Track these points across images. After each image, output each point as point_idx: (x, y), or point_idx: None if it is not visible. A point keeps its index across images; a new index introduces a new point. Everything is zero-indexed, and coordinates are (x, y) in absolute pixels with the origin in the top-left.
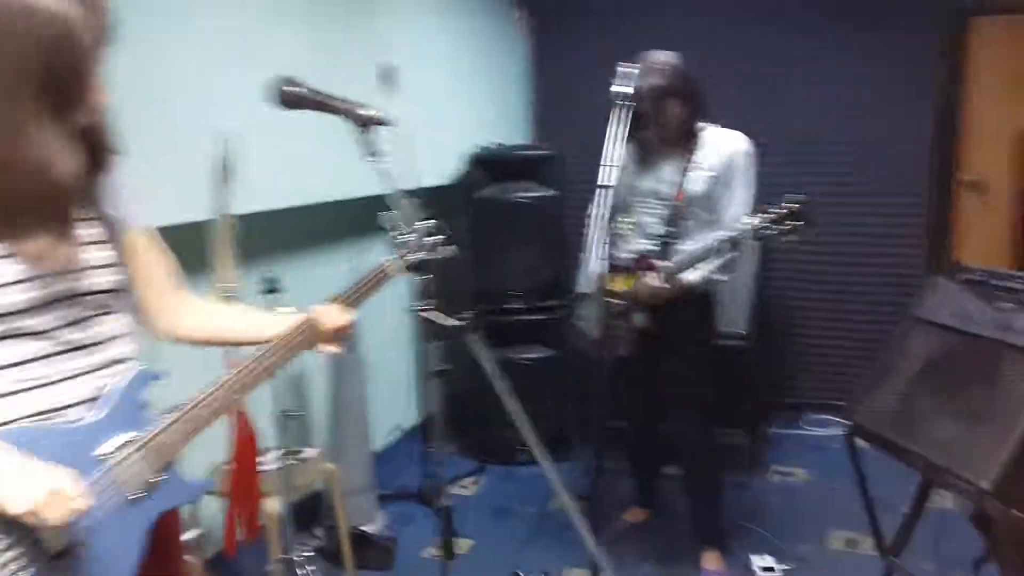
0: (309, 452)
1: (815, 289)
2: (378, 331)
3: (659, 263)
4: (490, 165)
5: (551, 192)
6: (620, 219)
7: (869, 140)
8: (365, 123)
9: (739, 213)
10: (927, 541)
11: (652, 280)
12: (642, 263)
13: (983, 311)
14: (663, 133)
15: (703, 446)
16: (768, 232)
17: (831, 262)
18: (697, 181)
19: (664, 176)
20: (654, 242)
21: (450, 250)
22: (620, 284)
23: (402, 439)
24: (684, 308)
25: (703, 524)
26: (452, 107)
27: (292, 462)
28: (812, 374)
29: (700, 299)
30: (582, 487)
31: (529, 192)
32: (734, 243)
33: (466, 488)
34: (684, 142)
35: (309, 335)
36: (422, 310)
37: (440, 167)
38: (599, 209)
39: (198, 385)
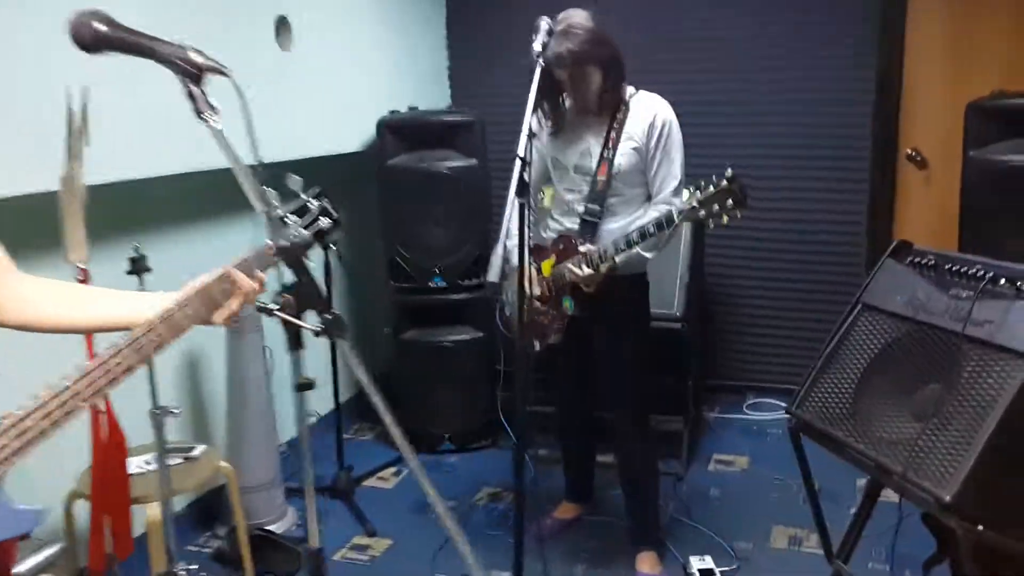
0: (199, 449)
1: (755, 267)
2: None
3: (583, 247)
4: (402, 131)
5: (471, 162)
6: (541, 195)
7: (809, 113)
8: (194, 72)
9: (671, 189)
10: (876, 539)
11: (575, 267)
12: (563, 245)
13: (937, 298)
14: (583, 101)
15: (638, 440)
16: (700, 215)
17: (771, 239)
18: (623, 153)
19: (586, 148)
20: (575, 221)
21: (336, 234)
22: (544, 268)
23: (317, 427)
24: (615, 292)
25: (638, 523)
26: (360, 67)
27: (177, 462)
28: (753, 356)
29: (631, 281)
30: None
31: (447, 161)
32: (667, 222)
33: (385, 480)
34: (607, 110)
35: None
36: (269, 310)
37: (348, 133)
38: (515, 183)
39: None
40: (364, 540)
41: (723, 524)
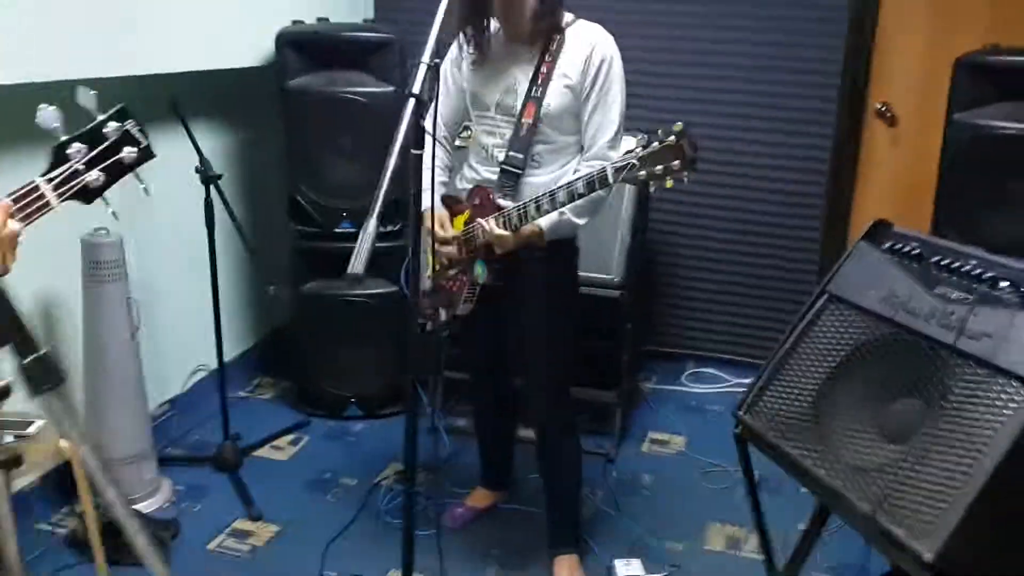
0: (36, 425)
1: (704, 227)
2: (165, 249)
3: (501, 201)
4: (306, 48)
5: (388, 88)
6: (461, 137)
7: (773, 62)
8: None
9: (607, 139)
10: (825, 554)
11: (491, 225)
12: (479, 199)
13: (921, 298)
14: (513, 25)
15: (558, 428)
16: (639, 175)
17: (723, 198)
18: (554, 92)
19: (512, 84)
20: (495, 171)
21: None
22: (455, 224)
23: (205, 384)
24: (536, 259)
25: (555, 522)
26: None
27: (7, 440)
28: (696, 323)
29: (556, 247)
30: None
31: (359, 86)
32: (600, 182)
33: (280, 450)
34: (540, 38)
35: None
36: None
37: (241, 44)
38: (425, 123)
39: None
40: (246, 525)
41: (654, 519)
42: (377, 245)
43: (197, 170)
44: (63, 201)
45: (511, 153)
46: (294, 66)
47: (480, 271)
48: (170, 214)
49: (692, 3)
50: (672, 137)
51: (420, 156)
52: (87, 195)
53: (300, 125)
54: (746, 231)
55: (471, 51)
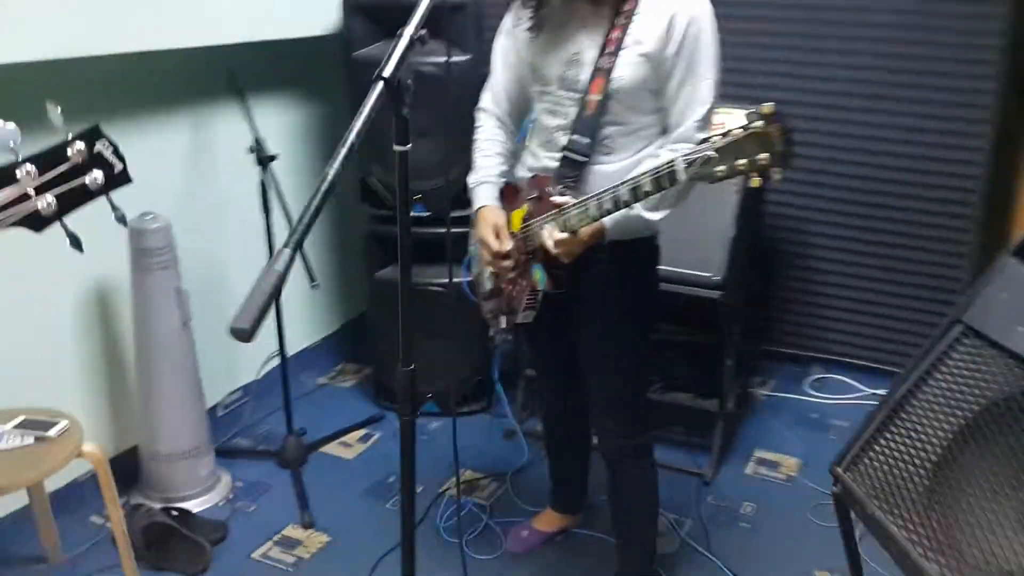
0: (59, 427)
1: (835, 211)
2: (234, 230)
3: (558, 198)
4: (374, 14)
5: (464, 57)
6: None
7: (918, 22)
8: None
9: (696, 120)
10: None
11: (547, 233)
12: (537, 191)
13: None
14: None
15: (626, 453)
16: (715, 171)
17: (859, 179)
18: (627, 63)
19: (576, 53)
20: (556, 157)
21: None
22: (513, 219)
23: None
24: (605, 260)
25: (624, 559)
26: None
27: (26, 442)
28: (824, 322)
29: (631, 248)
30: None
31: (432, 56)
32: (669, 178)
33: (349, 448)
34: (611, 1)
35: None
36: None
37: (305, 11)
38: (483, 103)
39: None
40: (297, 532)
41: (749, 560)
42: (453, 231)
43: (251, 149)
44: (5, 228)
45: (574, 137)
46: (362, 35)
47: (540, 277)
48: (238, 196)
49: None
50: (758, 122)
51: (405, 154)
52: (37, 223)
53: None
54: (885, 216)
55: (527, 15)
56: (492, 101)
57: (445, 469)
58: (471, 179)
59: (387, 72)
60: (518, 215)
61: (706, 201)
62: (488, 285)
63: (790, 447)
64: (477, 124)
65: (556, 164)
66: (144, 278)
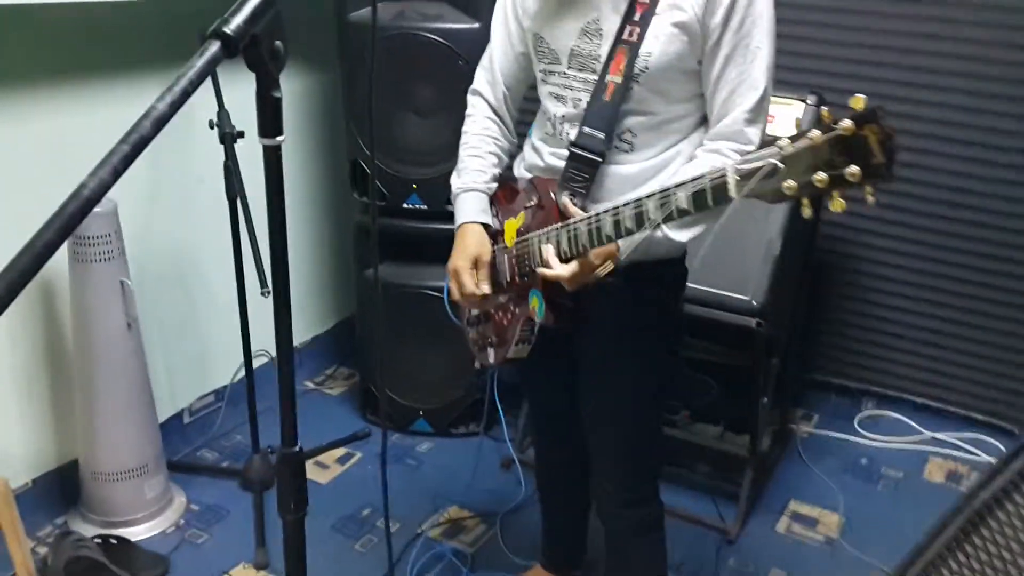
0: None
1: (903, 223)
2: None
3: (566, 205)
4: None
5: (474, 25)
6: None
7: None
8: None
9: (746, 110)
10: None
11: (546, 256)
12: (537, 197)
13: None
14: None
15: (630, 524)
16: (784, 187)
17: (932, 188)
18: (658, 35)
19: (595, 22)
20: (562, 155)
21: None
22: (507, 230)
23: (262, 373)
24: (620, 287)
25: None
26: None
27: None
28: (881, 350)
29: (652, 273)
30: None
31: (438, 22)
32: (714, 195)
33: (325, 469)
34: None
35: None
36: None
37: None
38: (476, 84)
39: None
40: (247, 574)
41: None
42: (451, 226)
43: (212, 125)
44: None
45: (587, 129)
46: None
47: (538, 306)
48: (211, 177)
49: None
50: (847, 123)
51: (277, 148)
52: None
53: (362, 70)
54: (970, 236)
55: None
56: (487, 82)
57: (429, 502)
58: (455, 183)
59: (231, 27)
60: (513, 225)
61: (747, 208)
62: (474, 310)
63: (832, 500)
64: (468, 112)
65: (562, 163)
66: (83, 271)
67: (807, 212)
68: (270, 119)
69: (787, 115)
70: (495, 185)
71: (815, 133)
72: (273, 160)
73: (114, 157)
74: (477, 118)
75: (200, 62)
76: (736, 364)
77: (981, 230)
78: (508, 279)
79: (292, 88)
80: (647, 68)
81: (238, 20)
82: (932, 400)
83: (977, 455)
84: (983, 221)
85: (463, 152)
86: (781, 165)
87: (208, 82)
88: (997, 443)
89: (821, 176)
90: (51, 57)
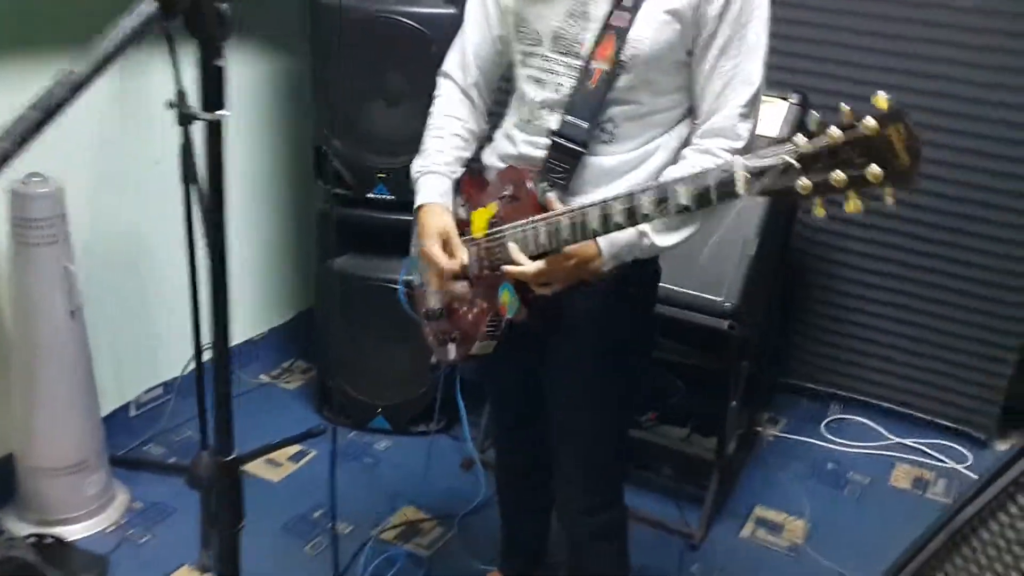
0: None
1: (875, 237)
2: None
3: (548, 198)
4: None
5: (449, 10)
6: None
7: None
8: None
9: (741, 105)
10: None
11: (516, 255)
12: (512, 186)
13: None
14: None
15: (592, 531)
16: (798, 185)
17: (910, 202)
18: (648, 21)
19: (583, 4)
20: (541, 144)
21: None
22: (475, 220)
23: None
24: (594, 290)
25: None
26: None
27: None
28: (850, 354)
29: (627, 275)
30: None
31: (412, 5)
32: (718, 190)
33: (278, 466)
34: None
35: None
36: None
37: None
38: (447, 66)
39: None
40: None
41: None
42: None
43: (171, 104)
44: None
45: (569, 118)
46: None
47: (509, 301)
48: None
49: None
50: (871, 122)
51: (219, 124)
52: None
53: (332, 54)
54: (945, 242)
55: None
56: (458, 65)
57: (385, 502)
58: (414, 166)
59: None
60: (483, 215)
61: (722, 207)
62: (434, 303)
63: (798, 505)
64: (436, 93)
65: (540, 153)
66: (25, 255)
67: (820, 212)
68: (212, 91)
69: (769, 114)
70: (460, 170)
71: (835, 131)
72: (215, 136)
73: (19, 125)
74: (444, 99)
75: (131, 22)
76: (706, 367)
77: (955, 237)
78: (476, 272)
79: (259, 70)
80: (637, 56)
81: None
82: (899, 405)
83: (944, 461)
84: (958, 228)
85: (427, 134)
86: (796, 164)
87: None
88: (963, 450)
89: (839, 176)
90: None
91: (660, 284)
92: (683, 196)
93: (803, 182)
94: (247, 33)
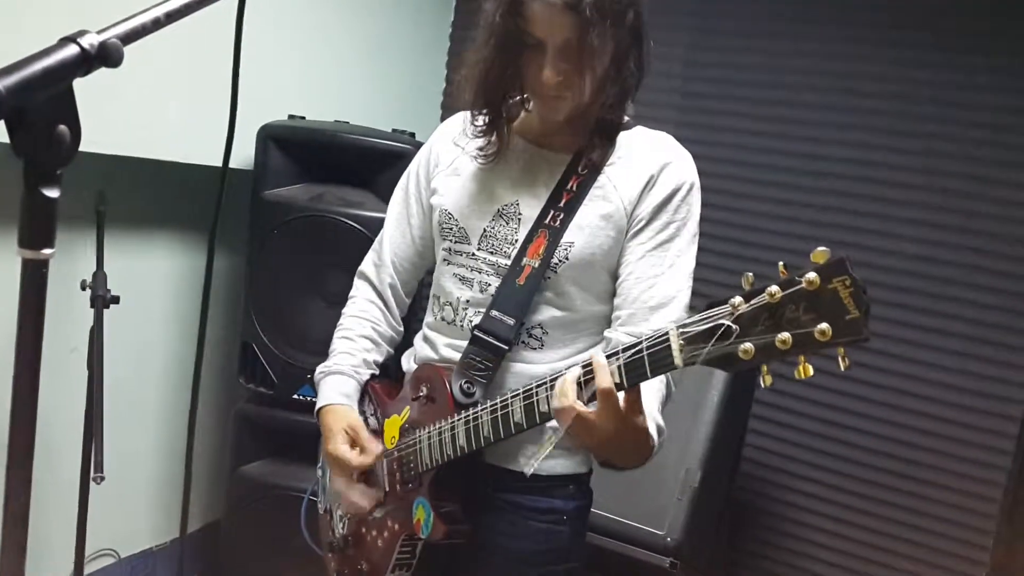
0: None
1: (825, 465)
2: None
3: (465, 400)
4: (291, 148)
5: None
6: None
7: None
8: None
9: (651, 307)
10: None
11: (436, 446)
12: (426, 389)
13: None
14: (578, 94)
15: None
16: (736, 351)
17: (874, 405)
18: (584, 226)
19: (513, 203)
20: (460, 344)
21: None
22: (387, 429)
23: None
24: (517, 499)
25: None
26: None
27: None
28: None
29: (551, 487)
30: None
31: (357, 208)
32: (655, 360)
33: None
34: (591, 134)
35: None
36: None
37: (210, 137)
38: (363, 266)
39: None
40: None
41: None
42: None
43: (84, 286)
44: None
45: (495, 313)
46: (277, 170)
47: (424, 518)
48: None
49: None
50: (811, 276)
51: (42, 264)
52: None
53: (271, 249)
54: (884, 471)
55: (477, 128)
56: (373, 264)
57: None
58: (320, 367)
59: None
60: (395, 423)
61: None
62: (340, 529)
63: None
64: (351, 294)
65: (458, 354)
66: None
67: (767, 381)
68: (36, 223)
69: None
70: (367, 373)
71: (774, 288)
72: (36, 280)
73: None
74: (357, 300)
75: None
76: None
77: (911, 469)
78: (387, 488)
79: (195, 259)
80: (567, 258)
81: (6, 81)
82: None
83: None
84: (916, 460)
85: (335, 335)
86: (734, 326)
87: (92, 240)
88: None
89: (784, 337)
90: None
91: (594, 510)
92: (614, 373)
93: (745, 347)
94: (190, 222)
